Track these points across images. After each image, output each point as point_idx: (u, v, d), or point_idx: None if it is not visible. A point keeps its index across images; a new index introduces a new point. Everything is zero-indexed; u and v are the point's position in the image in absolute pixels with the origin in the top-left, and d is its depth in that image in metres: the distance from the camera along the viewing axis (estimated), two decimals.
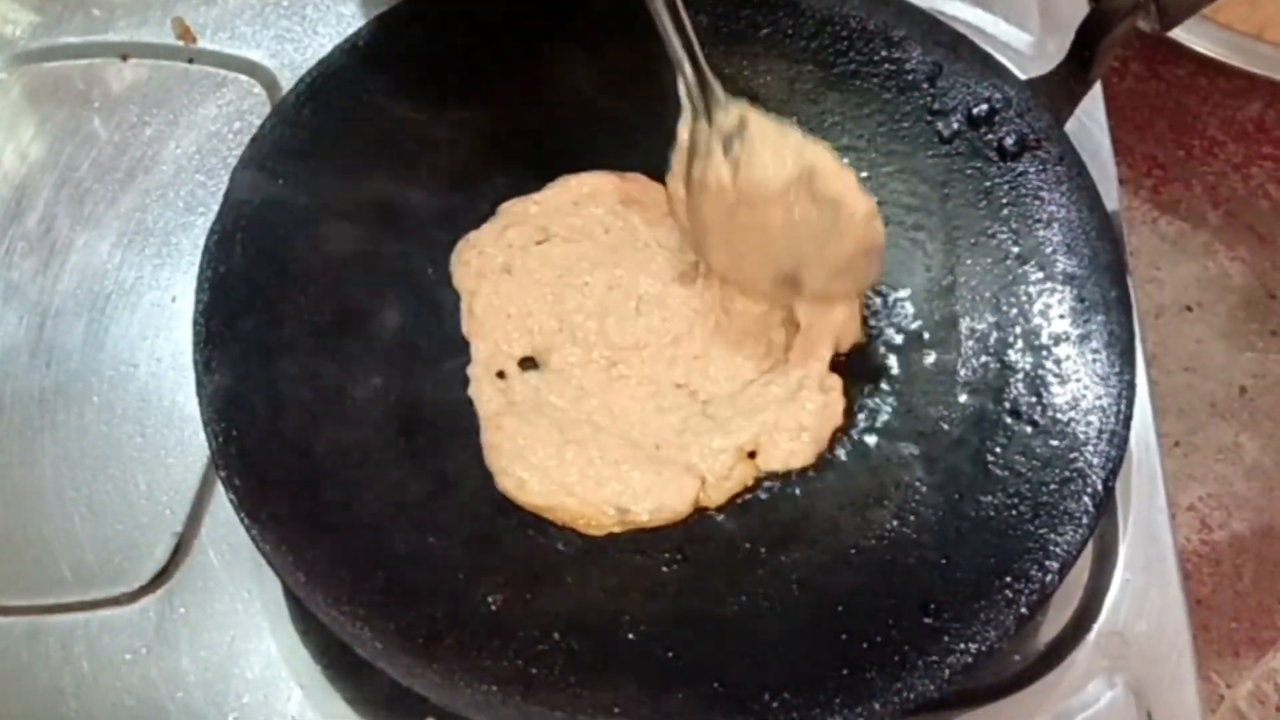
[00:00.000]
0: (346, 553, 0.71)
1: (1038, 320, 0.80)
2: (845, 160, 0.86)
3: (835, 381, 0.82)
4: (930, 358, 0.82)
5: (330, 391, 0.78)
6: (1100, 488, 0.72)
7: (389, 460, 0.77)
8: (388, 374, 0.81)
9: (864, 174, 0.88)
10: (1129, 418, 0.74)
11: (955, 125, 0.85)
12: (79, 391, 0.86)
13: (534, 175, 0.89)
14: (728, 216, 0.77)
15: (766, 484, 0.80)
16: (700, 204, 0.78)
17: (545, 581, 0.75)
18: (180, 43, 1.00)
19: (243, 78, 0.99)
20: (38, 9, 1.02)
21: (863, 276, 0.80)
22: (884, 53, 0.87)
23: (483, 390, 0.81)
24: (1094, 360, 0.76)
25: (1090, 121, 0.95)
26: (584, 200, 0.88)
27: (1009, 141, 0.83)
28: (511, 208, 0.87)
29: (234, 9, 1.01)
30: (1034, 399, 0.77)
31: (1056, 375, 0.77)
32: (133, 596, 0.80)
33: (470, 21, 0.87)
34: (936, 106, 0.86)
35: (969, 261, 0.83)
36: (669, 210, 0.82)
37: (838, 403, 0.81)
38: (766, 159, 0.74)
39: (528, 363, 0.83)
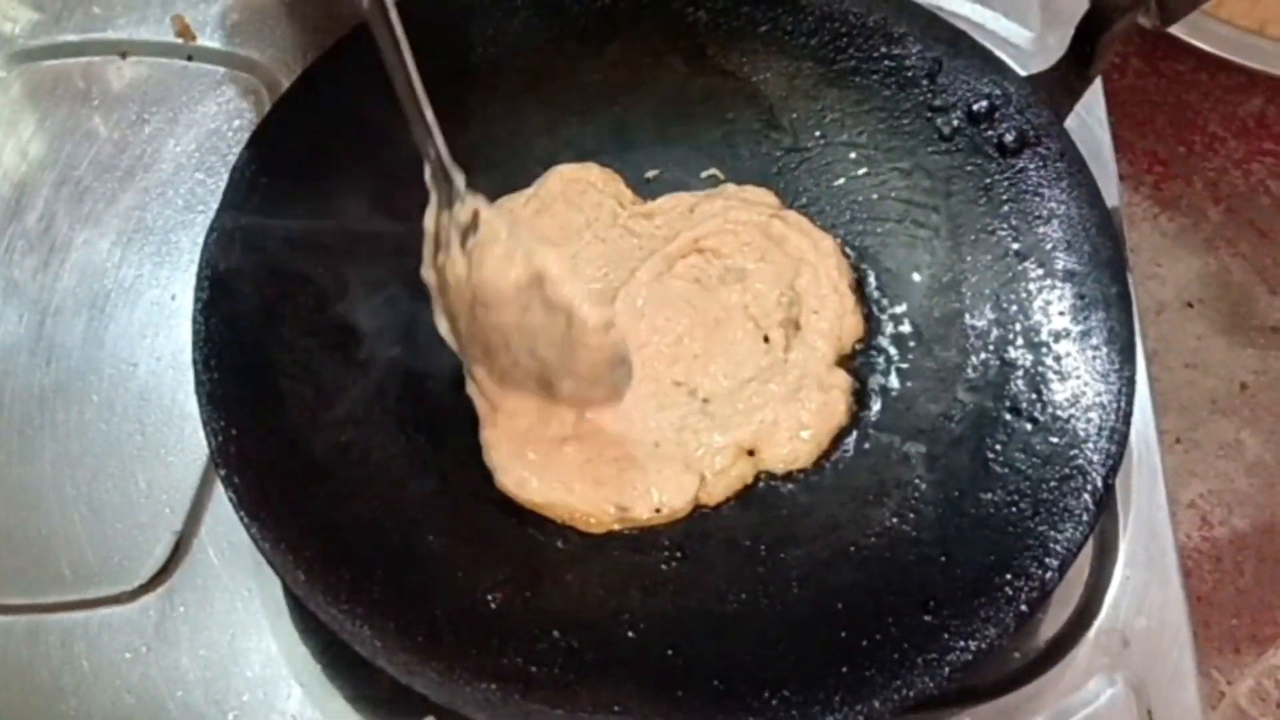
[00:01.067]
0: (346, 551, 0.71)
1: (1038, 317, 0.80)
2: (851, 155, 0.87)
3: (838, 379, 0.82)
4: (930, 355, 0.82)
5: (330, 390, 0.78)
6: (1100, 485, 0.72)
7: (388, 458, 0.77)
8: (387, 372, 0.81)
9: (863, 170, 0.88)
10: (1129, 414, 0.74)
11: (955, 122, 0.85)
12: (79, 390, 0.86)
13: (533, 171, 0.89)
14: (469, 311, 0.75)
15: (766, 481, 0.80)
16: (446, 293, 0.76)
17: (545, 579, 0.74)
18: (179, 40, 1.00)
19: (242, 75, 0.99)
20: (37, 6, 1.02)
21: (616, 386, 0.78)
22: (884, 49, 0.87)
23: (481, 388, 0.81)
24: (1094, 357, 0.76)
25: (1090, 118, 0.95)
26: (576, 195, 0.88)
27: (1009, 138, 0.83)
28: (506, 204, 0.87)
29: (233, 6, 1.01)
30: (1034, 396, 0.77)
31: (1057, 372, 0.77)
32: (133, 595, 0.79)
33: (469, 18, 0.88)
34: (936, 103, 0.86)
35: (969, 258, 0.83)
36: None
37: (839, 401, 0.81)
38: (496, 259, 0.72)
39: None
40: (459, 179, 0.74)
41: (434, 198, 0.75)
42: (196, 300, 0.76)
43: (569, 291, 0.71)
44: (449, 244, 0.74)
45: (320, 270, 0.81)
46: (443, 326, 0.79)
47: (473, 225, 0.73)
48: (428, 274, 0.77)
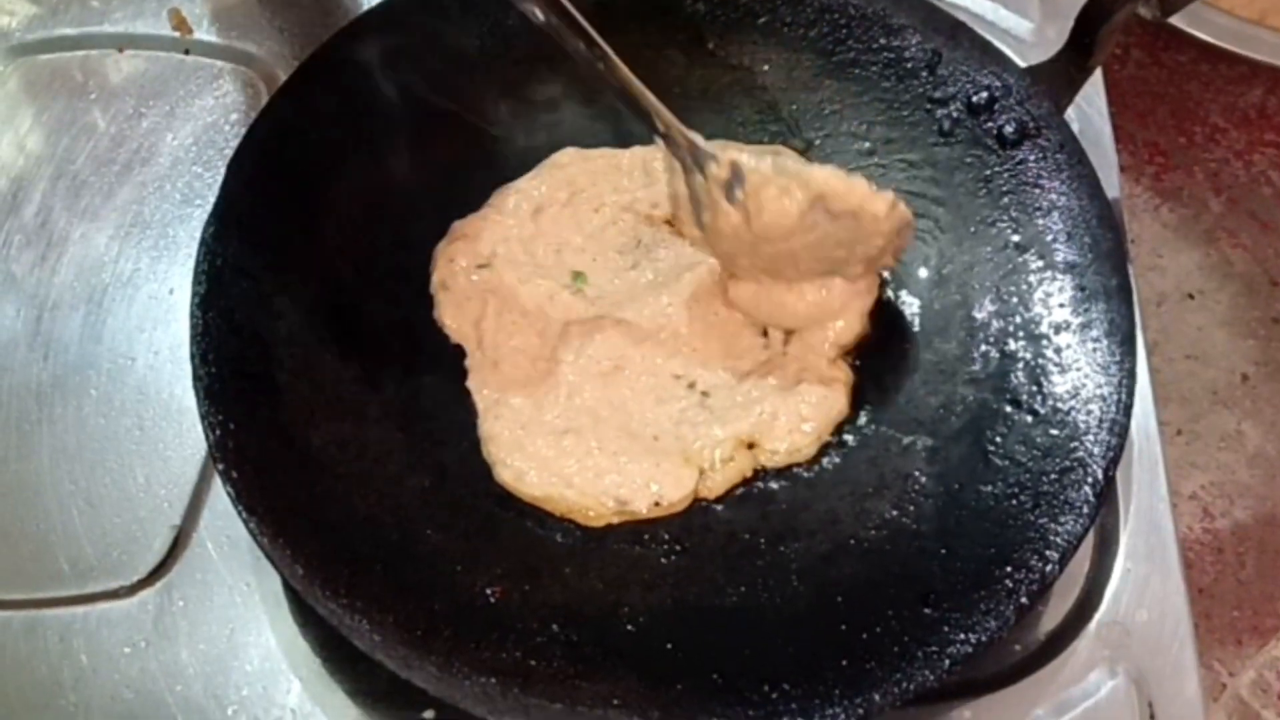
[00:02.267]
0: (344, 545, 0.71)
1: (1038, 309, 0.79)
2: (851, 147, 0.87)
3: (839, 373, 0.81)
4: (930, 347, 0.82)
5: (328, 384, 0.78)
6: (1101, 477, 0.72)
7: (387, 453, 0.77)
8: (385, 366, 0.80)
9: (863, 162, 0.88)
10: (1129, 406, 0.74)
11: (955, 113, 0.85)
12: (77, 384, 0.86)
13: (529, 165, 0.89)
14: (751, 249, 0.78)
15: (766, 475, 0.79)
16: (720, 243, 0.79)
17: (544, 573, 0.74)
18: (177, 34, 1.00)
19: (239, 68, 0.99)
20: (34, 1, 1.02)
21: (901, 247, 0.80)
22: (883, 40, 0.87)
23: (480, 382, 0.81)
24: (1094, 349, 0.76)
25: (1091, 109, 0.95)
26: (578, 182, 0.88)
27: (1009, 129, 0.83)
28: (504, 195, 0.87)
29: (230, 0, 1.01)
30: (1034, 388, 0.77)
31: (1057, 364, 0.77)
32: (131, 589, 0.79)
33: (468, 11, 0.87)
34: (936, 94, 0.86)
35: (969, 250, 0.83)
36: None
37: (840, 396, 0.81)
38: (774, 200, 0.74)
39: None
40: (700, 140, 0.76)
41: (676, 165, 0.77)
42: (194, 294, 0.76)
43: (853, 198, 0.74)
44: (714, 202, 0.76)
45: (318, 264, 0.81)
46: (450, 318, 0.83)
47: (735, 177, 0.75)
48: (691, 231, 0.81)
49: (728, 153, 0.76)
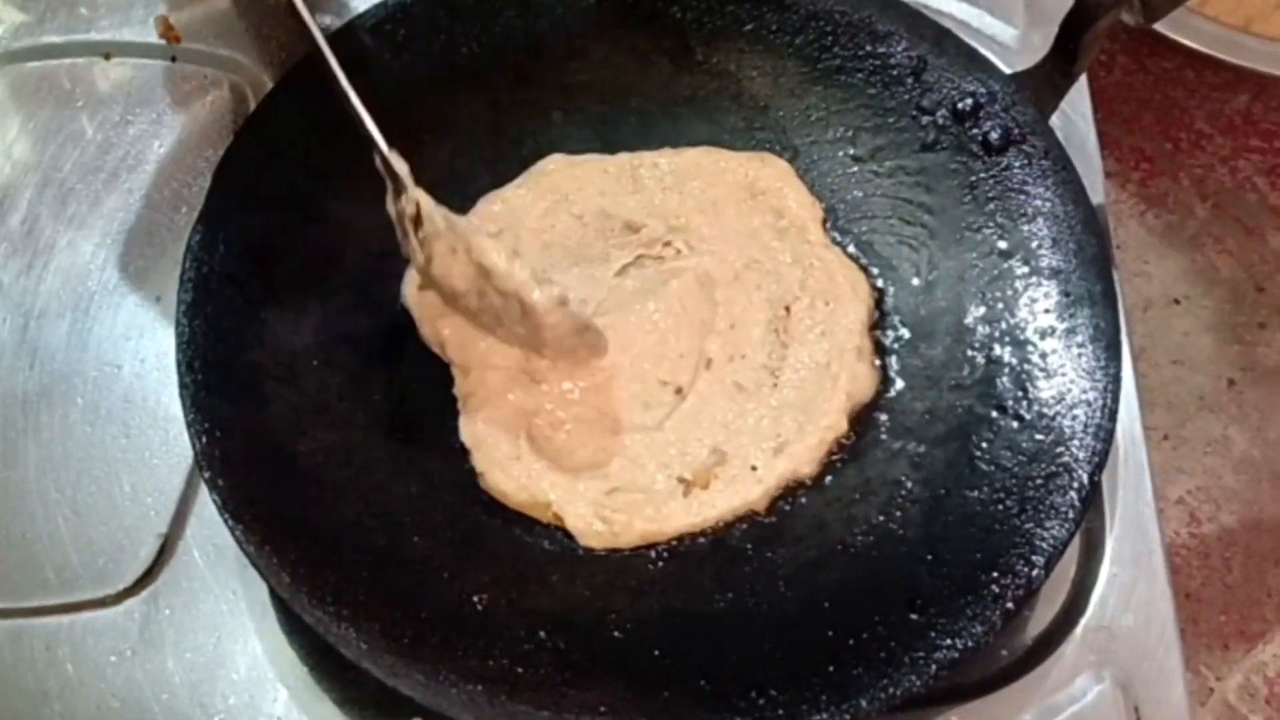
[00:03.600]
0: (331, 553, 0.71)
1: (1024, 314, 0.80)
2: (837, 154, 0.87)
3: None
4: (916, 353, 0.82)
5: (314, 392, 0.78)
6: (1086, 482, 0.72)
7: (373, 460, 0.77)
8: (372, 374, 0.80)
9: (848, 169, 0.88)
10: (1115, 412, 0.74)
11: (940, 120, 0.85)
12: (63, 392, 0.86)
13: (516, 172, 0.89)
14: (435, 290, 0.78)
15: None
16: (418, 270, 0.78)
17: (531, 580, 0.74)
18: (164, 41, 1.00)
19: (226, 76, 0.98)
20: (21, 8, 1.02)
21: (593, 347, 0.79)
22: (869, 47, 0.87)
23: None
24: (1079, 354, 0.76)
25: (1076, 115, 0.95)
26: (565, 188, 0.88)
27: (994, 136, 0.83)
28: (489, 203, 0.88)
29: (217, 7, 1.01)
30: (1020, 393, 0.77)
31: (1042, 370, 0.77)
32: (117, 598, 0.79)
33: (453, 18, 0.87)
34: (922, 101, 0.86)
35: (955, 257, 0.83)
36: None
37: (841, 424, 0.80)
38: (441, 254, 0.74)
39: None
40: (402, 169, 0.75)
41: (389, 185, 0.76)
42: (180, 302, 0.76)
43: (514, 282, 0.73)
44: (405, 231, 0.76)
45: (305, 273, 0.81)
46: (428, 330, 0.81)
47: (417, 216, 0.74)
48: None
49: (416, 191, 0.74)
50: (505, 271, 0.72)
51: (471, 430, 0.79)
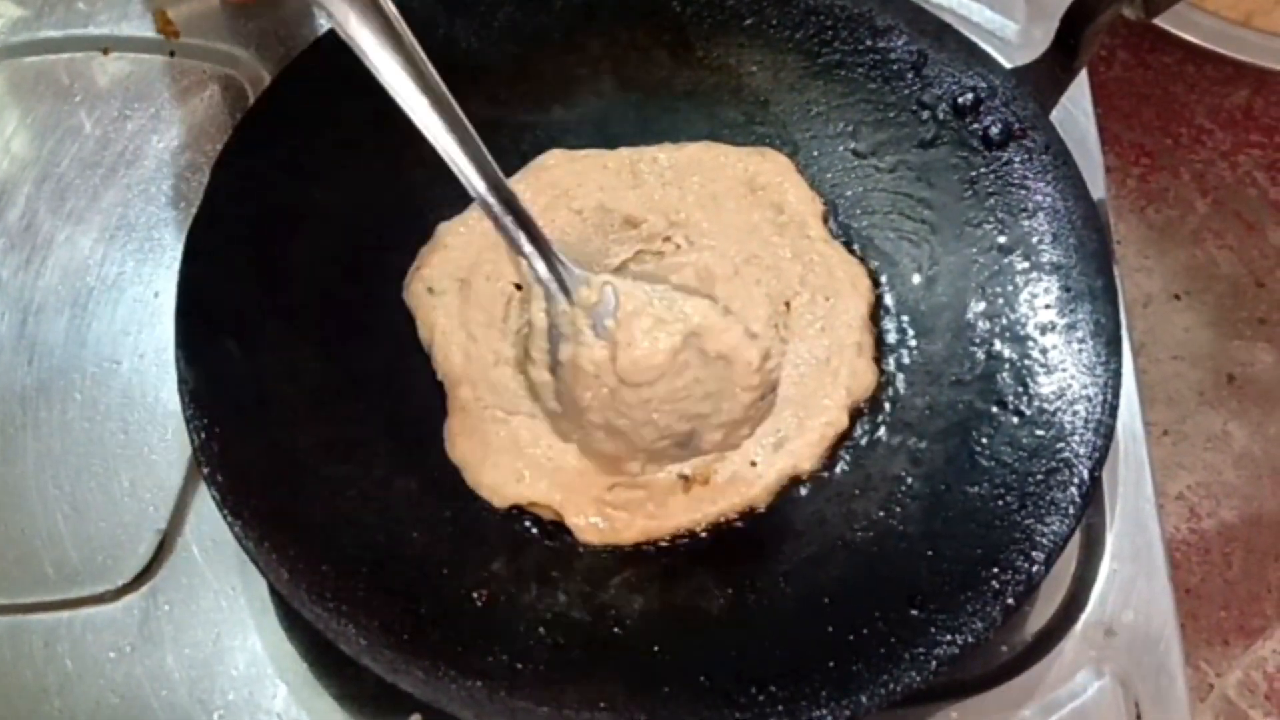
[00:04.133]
0: (330, 549, 0.71)
1: (1024, 310, 0.79)
2: (837, 149, 0.86)
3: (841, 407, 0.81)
4: (916, 349, 0.82)
5: (313, 388, 0.78)
6: (1087, 477, 0.72)
7: (373, 456, 0.77)
8: (371, 369, 0.80)
9: (849, 164, 0.88)
10: (1115, 407, 0.74)
11: (941, 114, 0.85)
12: (61, 388, 0.86)
13: (516, 167, 0.88)
14: (608, 398, 0.72)
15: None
16: (573, 389, 0.73)
17: (531, 577, 0.74)
18: (162, 36, 1.00)
19: (225, 71, 0.98)
20: (19, 2, 1.02)
21: (760, 418, 0.76)
22: (869, 42, 0.87)
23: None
24: (1080, 350, 0.76)
25: (1077, 110, 0.95)
26: (564, 183, 0.87)
27: (994, 130, 0.83)
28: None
29: (216, 2, 1.00)
30: (1020, 389, 0.77)
31: (1043, 365, 0.77)
32: (116, 594, 0.79)
33: (452, 12, 0.87)
34: (922, 96, 0.86)
35: (954, 252, 0.83)
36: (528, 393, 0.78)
37: (841, 420, 0.80)
38: (647, 332, 0.69)
39: None
40: (568, 262, 0.72)
41: (538, 292, 0.73)
42: (179, 297, 0.76)
43: (729, 339, 0.70)
44: (577, 333, 0.71)
45: (303, 268, 0.81)
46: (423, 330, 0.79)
47: (605, 306, 0.70)
48: (538, 374, 0.75)
49: (600, 276, 0.71)
50: (724, 325, 0.70)
51: (455, 452, 0.79)
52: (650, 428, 0.73)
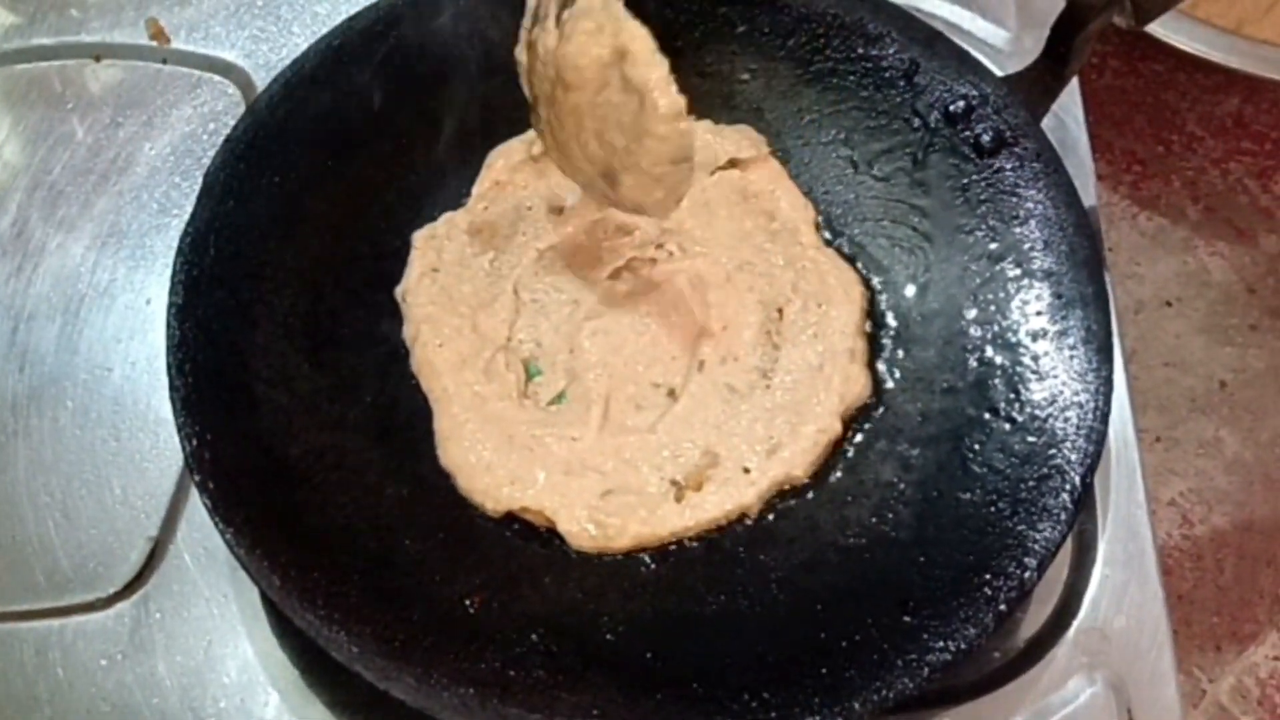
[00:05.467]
0: (322, 556, 0.71)
1: (1015, 317, 0.79)
2: (829, 156, 0.87)
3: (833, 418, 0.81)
4: (908, 355, 0.82)
5: (305, 394, 0.78)
6: (1078, 484, 0.72)
7: (365, 463, 0.77)
8: (363, 376, 0.80)
9: (841, 171, 0.88)
10: (1106, 414, 0.74)
11: (932, 122, 0.85)
12: (53, 396, 0.86)
13: None
14: (550, 93, 0.73)
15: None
16: (532, 74, 0.75)
17: (523, 583, 0.74)
18: (154, 43, 1.00)
19: (217, 78, 0.98)
20: (10, 9, 1.02)
21: (675, 187, 0.75)
22: (861, 50, 0.87)
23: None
24: (1071, 356, 0.76)
25: (1068, 117, 0.95)
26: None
27: (986, 138, 0.83)
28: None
29: (208, 9, 1.01)
30: (1012, 395, 0.77)
31: (1034, 372, 0.77)
32: (108, 602, 0.79)
33: (447, 20, 0.87)
34: (914, 104, 0.86)
35: (946, 259, 0.83)
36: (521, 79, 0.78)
37: (834, 426, 0.80)
38: (585, 31, 0.69)
39: None
40: None
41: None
42: (171, 305, 0.75)
43: (647, 73, 0.69)
44: (546, 15, 0.72)
45: (295, 275, 0.81)
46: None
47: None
48: (520, 52, 0.75)
49: None
50: (643, 59, 0.69)
51: (446, 459, 0.79)
52: (576, 145, 0.74)
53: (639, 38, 0.69)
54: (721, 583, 0.75)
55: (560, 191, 0.87)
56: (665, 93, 0.69)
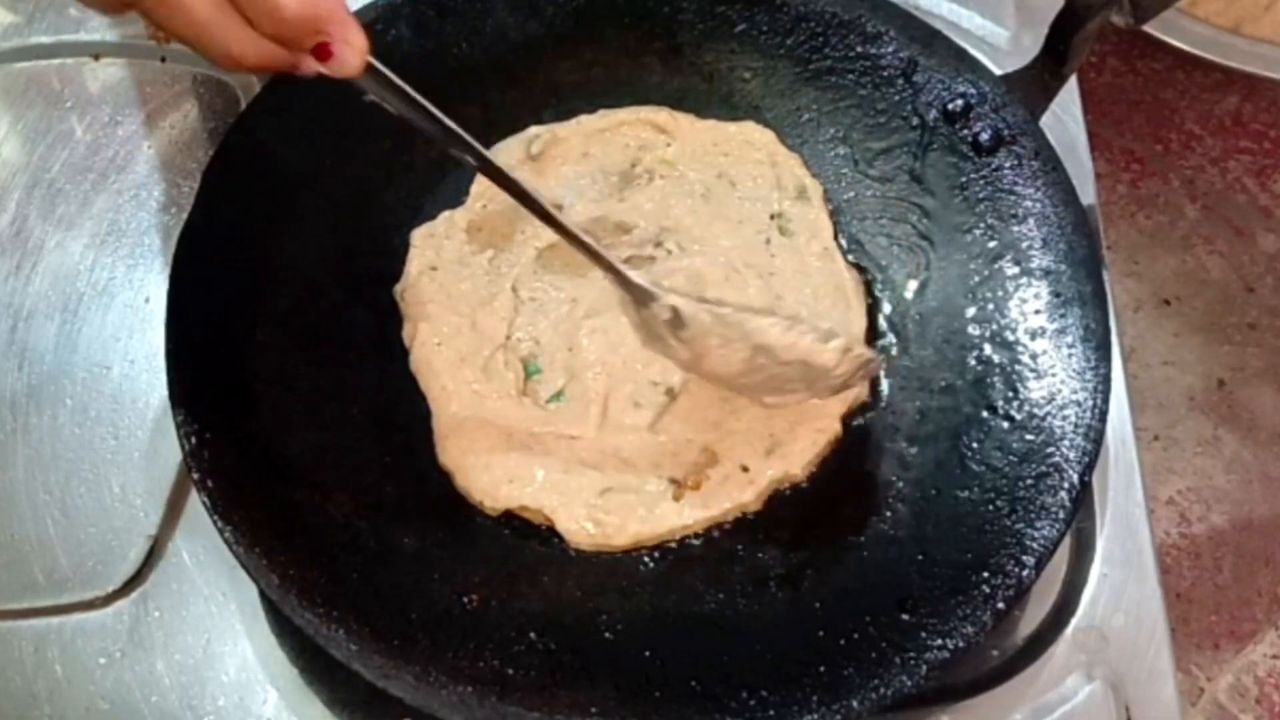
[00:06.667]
0: (321, 554, 0.71)
1: (1014, 315, 0.80)
2: (828, 154, 0.87)
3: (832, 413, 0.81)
4: (907, 354, 0.82)
5: (304, 392, 0.78)
6: (1076, 482, 0.72)
7: (363, 461, 0.77)
8: (362, 374, 0.80)
9: (839, 170, 0.88)
10: (1105, 412, 0.74)
11: (931, 120, 0.85)
12: (52, 394, 0.85)
13: None
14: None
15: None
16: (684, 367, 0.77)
17: (521, 581, 0.74)
18: (153, 42, 1.00)
19: (216, 76, 0.98)
20: (9, 8, 1.02)
21: (869, 375, 0.79)
22: (860, 48, 0.87)
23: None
24: (1070, 355, 0.76)
25: (1067, 116, 0.95)
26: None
27: (984, 137, 0.83)
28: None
29: None
30: (1010, 394, 0.77)
31: (1033, 370, 0.77)
32: (107, 600, 0.79)
33: (443, 18, 0.87)
34: (913, 102, 0.86)
35: (945, 257, 0.83)
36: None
37: (833, 425, 0.80)
38: (715, 350, 0.72)
39: None
40: (640, 279, 0.73)
41: (629, 298, 0.74)
42: (170, 303, 0.75)
43: (799, 351, 0.72)
44: (662, 336, 0.73)
45: (294, 273, 0.81)
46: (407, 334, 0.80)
47: (676, 320, 0.72)
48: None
49: (668, 297, 0.72)
50: (789, 344, 0.71)
51: (445, 457, 0.79)
52: (755, 392, 0.76)
53: (768, 329, 0.71)
54: (720, 581, 0.75)
55: (559, 190, 0.87)
56: (825, 354, 0.72)
